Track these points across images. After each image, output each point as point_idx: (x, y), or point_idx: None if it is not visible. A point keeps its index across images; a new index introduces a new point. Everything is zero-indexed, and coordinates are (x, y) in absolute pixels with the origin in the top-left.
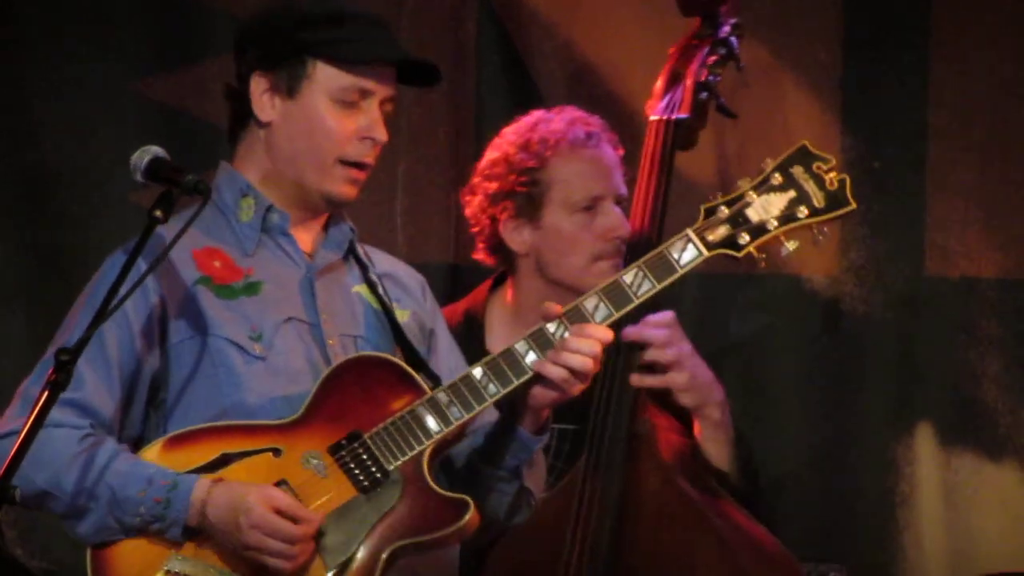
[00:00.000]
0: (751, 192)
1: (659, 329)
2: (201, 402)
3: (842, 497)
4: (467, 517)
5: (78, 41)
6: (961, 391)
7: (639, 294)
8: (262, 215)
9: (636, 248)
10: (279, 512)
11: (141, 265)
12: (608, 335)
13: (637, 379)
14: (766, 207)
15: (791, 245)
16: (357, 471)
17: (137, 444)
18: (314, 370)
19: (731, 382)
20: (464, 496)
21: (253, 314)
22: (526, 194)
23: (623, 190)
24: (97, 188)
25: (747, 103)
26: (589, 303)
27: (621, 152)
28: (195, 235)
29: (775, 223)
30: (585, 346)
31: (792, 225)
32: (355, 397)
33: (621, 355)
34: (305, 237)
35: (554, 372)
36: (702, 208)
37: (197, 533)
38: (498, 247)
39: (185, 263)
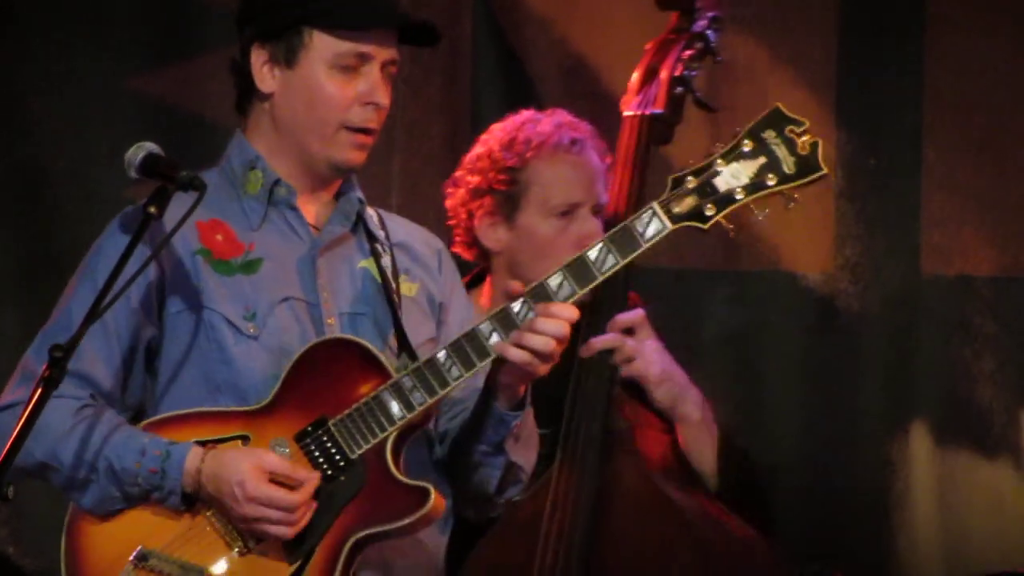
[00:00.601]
0: (719, 160)
1: (634, 315)
2: (195, 376)
3: (837, 496)
4: (429, 505)
5: (72, 37)
6: (956, 390)
7: (603, 270)
8: (269, 189)
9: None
10: (273, 476)
11: (139, 257)
12: (573, 313)
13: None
14: (735, 175)
15: (760, 214)
16: (321, 459)
17: (138, 411)
18: None
19: (726, 378)
20: (424, 484)
21: (249, 293)
22: (505, 192)
23: (603, 199)
24: (92, 184)
25: (742, 99)
26: (553, 281)
27: (608, 160)
28: (203, 208)
29: (742, 192)
30: (549, 326)
31: (760, 193)
32: (323, 381)
33: (592, 363)
34: (312, 209)
35: (517, 355)
36: (669, 179)
37: (193, 504)
38: (473, 242)
39: (188, 234)
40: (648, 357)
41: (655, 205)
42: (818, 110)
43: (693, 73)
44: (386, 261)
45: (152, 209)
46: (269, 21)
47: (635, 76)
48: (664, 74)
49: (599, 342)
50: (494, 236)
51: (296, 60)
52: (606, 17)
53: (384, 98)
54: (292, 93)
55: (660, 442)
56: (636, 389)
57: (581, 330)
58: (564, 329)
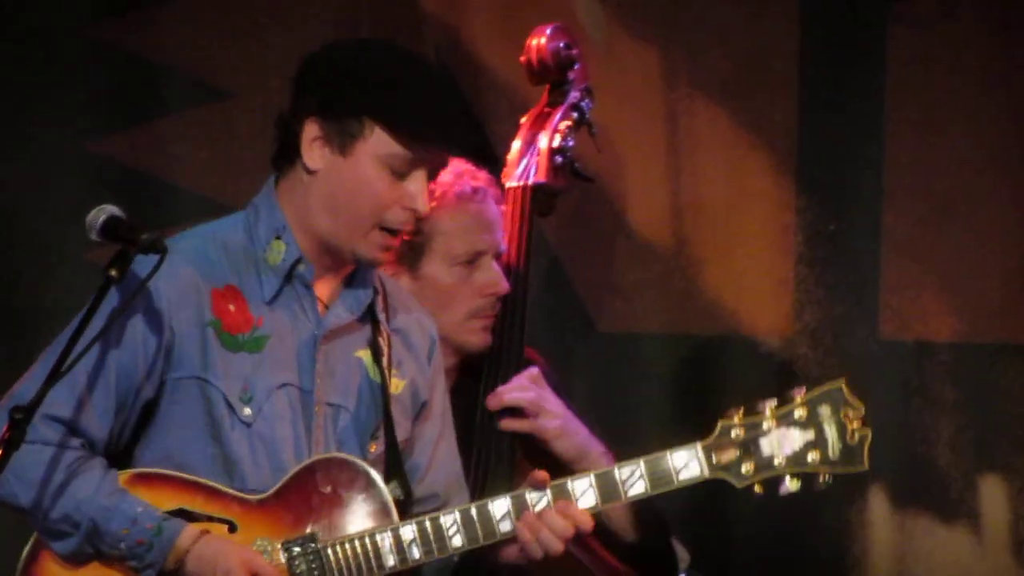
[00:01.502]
0: (771, 421)
1: (530, 372)
2: (179, 443)
3: (795, 560)
4: None
5: (34, 98)
6: (915, 455)
7: (630, 494)
8: (290, 265)
9: (505, 315)
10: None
11: (99, 321)
12: (587, 525)
13: (505, 423)
14: (781, 442)
15: (792, 486)
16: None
17: (119, 458)
18: (296, 439)
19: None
20: None
21: (249, 373)
22: (407, 242)
23: (503, 247)
24: (53, 246)
25: (703, 164)
26: (579, 485)
27: (504, 208)
28: (221, 268)
29: (783, 462)
30: (560, 527)
31: (799, 469)
32: (325, 497)
33: (494, 418)
34: (325, 288)
35: (530, 546)
36: (719, 423)
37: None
38: None
39: (202, 301)
40: (545, 413)
41: (699, 447)
42: (778, 174)
43: (570, 143)
44: (382, 354)
45: (112, 272)
46: (332, 100)
47: (514, 148)
48: (543, 145)
49: (507, 397)
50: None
51: (350, 149)
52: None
53: (426, 206)
54: (338, 179)
55: None
56: (539, 451)
57: (481, 386)
58: (571, 533)
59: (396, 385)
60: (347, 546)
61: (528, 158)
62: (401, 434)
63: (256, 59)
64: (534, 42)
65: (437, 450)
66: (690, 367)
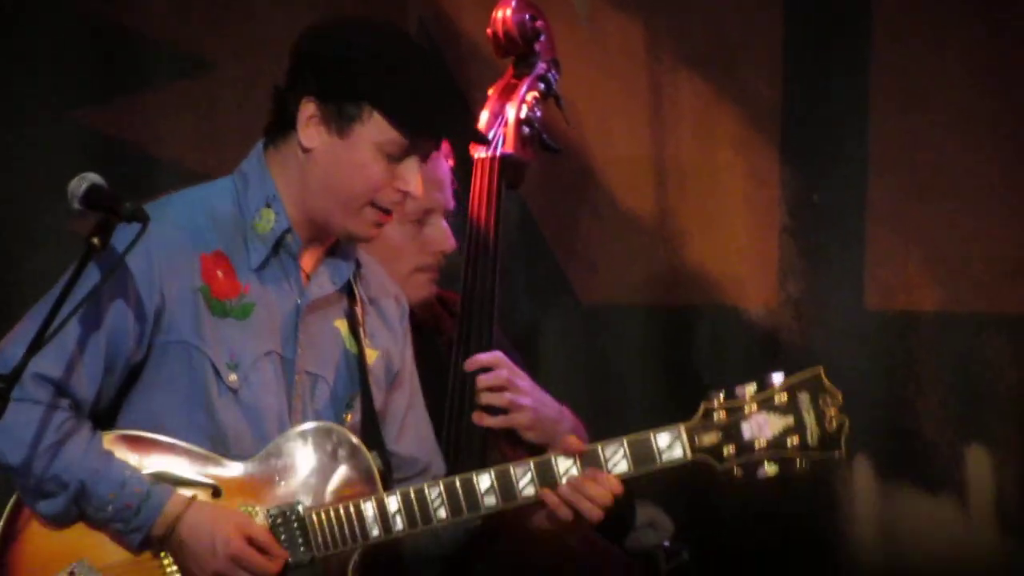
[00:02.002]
0: (752, 405)
1: (497, 372)
2: (165, 407)
3: (780, 530)
4: None
5: (17, 69)
6: (900, 425)
7: (612, 472)
8: (278, 235)
9: (473, 290)
10: (251, 542)
11: (83, 288)
12: (619, 491)
13: (477, 417)
14: (762, 426)
15: (770, 470)
16: (286, 543)
17: (101, 418)
18: (279, 407)
19: (669, 412)
20: None
21: (236, 340)
22: None
23: (452, 204)
24: (35, 216)
25: (687, 136)
26: (562, 463)
27: (451, 164)
28: (210, 234)
29: (763, 446)
30: (599, 495)
31: (779, 453)
32: (309, 465)
33: (466, 396)
34: (309, 258)
35: (565, 513)
36: (702, 406)
37: (148, 544)
38: None
39: (192, 266)
40: (518, 408)
41: (682, 429)
42: (763, 146)
43: (537, 114)
44: (359, 324)
45: (95, 240)
46: (333, 82)
47: (481, 120)
48: (511, 116)
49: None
50: None
51: (347, 132)
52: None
53: (419, 188)
54: (333, 160)
55: None
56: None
57: (453, 356)
58: (609, 500)
59: (370, 356)
60: (331, 514)
61: (495, 129)
62: (377, 405)
63: (240, 31)
64: (499, 14)
65: (408, 416)
66: (674, 338)
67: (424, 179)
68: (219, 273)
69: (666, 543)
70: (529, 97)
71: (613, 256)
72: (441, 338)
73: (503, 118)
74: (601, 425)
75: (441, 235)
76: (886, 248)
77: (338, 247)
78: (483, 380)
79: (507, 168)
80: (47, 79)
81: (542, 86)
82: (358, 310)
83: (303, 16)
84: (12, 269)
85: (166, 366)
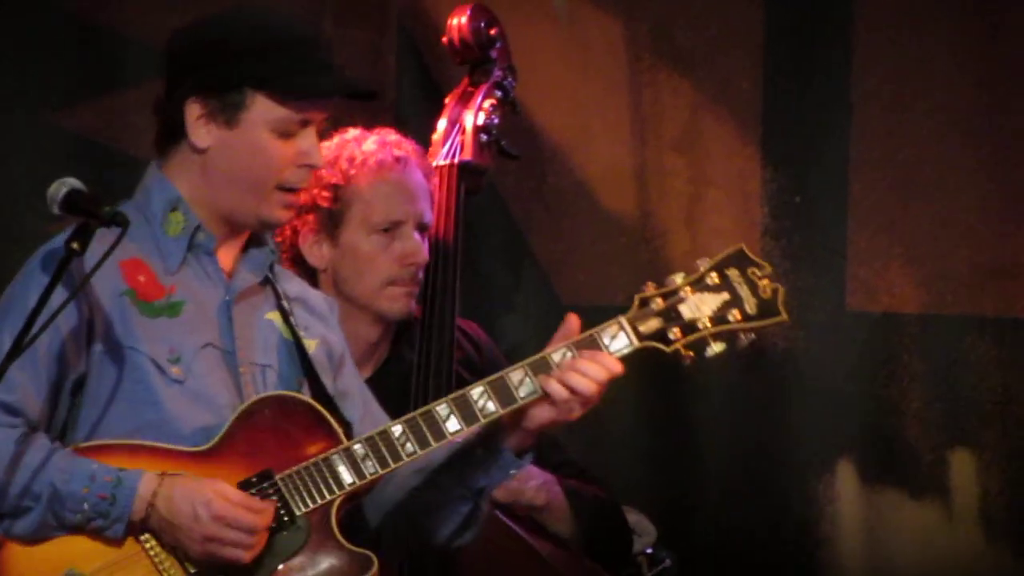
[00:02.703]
0: (687, 288)
1: None
2: (117, 414)
3: (763, 533)
4: (371, 573)
5: None
6: (882, 427)
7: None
8: (190, 233)
9: (435, 291)
10: (233, 503)
11: (60, 295)
12: (618, 369)
13: None
14: (699, 305)
15: (717, 347)
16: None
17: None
18: (229, 398)
19: (653, 415)
20: (367, 552)
21: (173, 335)
22: (328, 210)
23: (427, 217)
24: (13, 220)
25: (667, 135)
26: (515, 376)
27: (436, 180)
28: (122, 244)
29: (706, 322)
30: (593, 370)
31: (722, 327)
32: (270, 435)
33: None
34: (226, 256)
35: (557, 390)
36: (636, 297)
37: (130, 533)
38: (298, 259)
39: (112, 273)
40: None
41: (623, 320)
42: (744, 146)
43: (495, 121)
44: (290, 315)
45: (75, 245)
46: (209, 77)
47: (439, 127)
48: (469, 124)
49: None
50: (318, 253)
51: (236, 121)
52: (532, 56)
53: (319, 160)
54: (229, 152)
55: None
56: None
57: (416, 360)
58: (605, 377)
59: (309, 344)
60: (303, 473)
61: (453, 137)
62: (329, 389)
63: None
64: (454, 21)
65: (367, 404)
66: None
67: (394, 190)
68: (141, 278)
69: (649, 549)
70: (486, 104)
71: (595, 257)
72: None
73: (460, 125)
74: (585, 423)
75: (412, 246)
76: (868, 249)
77: (252, 242)
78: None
79: (466, 175)
80: (25, 80)
81: (499, 93)
82: (284, 303)
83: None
84: None
85: (106, 375)
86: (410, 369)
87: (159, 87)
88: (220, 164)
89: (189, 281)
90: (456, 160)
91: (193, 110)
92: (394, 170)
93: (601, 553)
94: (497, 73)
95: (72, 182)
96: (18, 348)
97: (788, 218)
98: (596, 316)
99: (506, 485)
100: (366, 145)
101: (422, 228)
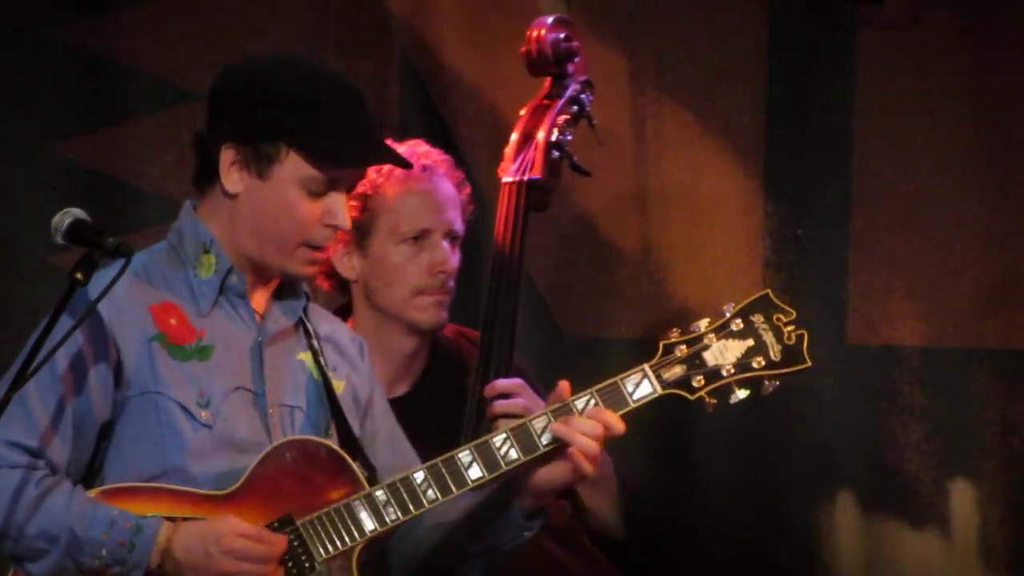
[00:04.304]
0: (711, 335)
1: (515, 400)
2: (141, 459)
3: (764, 565)
4: None
5: None
6: (883, 459)
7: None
8: (222, 276)
9: (495, 314)
10: (245, 537)
11: (67, 324)
12: (619, 428)
13: None
14: (723, 352)
15: (741, 393)
16: (286, 557)
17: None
18: (256, 441)
19: (651, 446)
20: None
21: (202, 379)
22: (356, 220)
23: (457, 226)
24: (16, 250)
25: (670, 168)
26: (538, 423)
27: (467, 191)
28: (153, 288)
29: (730, 369)
30: (590, 427)
31: (746, 375)
32: (292, 479)
33: (482, 423)
34: (258, 297)
35: (580, 440)
36: (661, 344)
37: None
38: (331, 272)
39: (143, 318)
40: None
41: (647, 368)
42: (746, 179)
43: (568, 137)
44: (320, 355)
45: (78, 275)
46: (247, 125)
47: (511, 141)
48: (540, 140)
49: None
50: (348, 264)
51: (268, 173)
52: (533, 84)
53: (347, 222)
54: (258, 203)
55: (554, 508)
56: None
57: (472, 384)
58: (601, 432)
59: (337, 386)
60: (324, 519)
61: (524, 152)
62: (356, 431)
63: (222, 62)
64: (534, 33)
65: (396, 446)
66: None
67: (421, 199)
68: (172, 321)
69: None
70: (560, 120)
71: (597, 289)
72: (468, 377)
73: (532, 140)
74: None
75: (441, 255)
76: (869, 281)
77: (285, 286)
78: (499, 406)
79: (533, 192)
80: (30, 111)
81: (574, 108)
82: (315, 343)
83: (283, 46)
84: None
85: (132, 421)
86: (447, 387)
87: (162, 118)
88: (248, 213)
89: (220, 323)
90: (525, 177)
91: (228, 155)
92: (422, 179)
93: (632, 541)
94: (573, 87)
95: (76, 212)
96: (19, 380)
97: (790, 251)
98: (597, 348)
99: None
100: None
101: (452, 237)
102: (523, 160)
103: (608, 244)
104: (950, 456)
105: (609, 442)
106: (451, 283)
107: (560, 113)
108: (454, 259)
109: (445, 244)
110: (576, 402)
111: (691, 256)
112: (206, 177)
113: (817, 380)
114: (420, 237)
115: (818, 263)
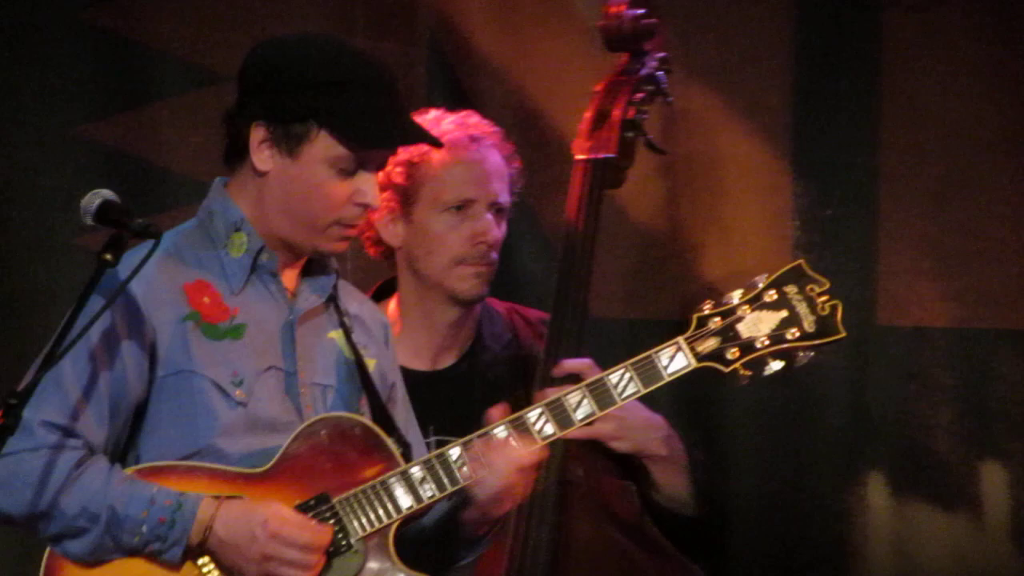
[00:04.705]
0: (744, 306)
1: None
2: (175, 438)
3: (793, 546)
4: None
5: (25, 82)
6: (913, 441)
7: (623, 395)
8: (254, 255)
9: (567, 290)
10: (291, 523)
11: (98, 304)
12: (531, 460)
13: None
14: (757, 324)
15: (775, 365)
16: None
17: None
18: (289, 420)
19: (682, 429)
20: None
21: (235, 358)
22: (402, 187)
23: (502, 198)
24: (45, 231)
25: (697, 150)
26: (573, 398)
27: (517, 164)
28: (185, 266)
29: (764, 341)
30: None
31: (780, 346)
32: (326, 457)
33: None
34: (288, 275)
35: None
36: (694, 317)
37: (187, 556)
38: (376, 239)
39: (176, 297)
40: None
41: (681, 341)
42: (773, 160)
43: (644, 116)
44: (351, 333)
45: (107, 256)
46: (278, 104)
47: (586, 119)
48: (616, 117)
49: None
50: (393, 231)
51: (298, 152)
52: (561, 67)
53: (376, 201)
54: (288, 182)
55: (614, 488)
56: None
57: (536, 376)
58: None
59: (369, 364)
60: (360, 496)
61: (599, 130)
62: (386, 406)
63: (248, 43)
64: (613, 9)
65: (410, 434)
66: None
67: (465, 169)
68: (205, 299)
69: None
70: (636, 97)
71: (625, 270)
72: (517, 353)
73: (608, 119)
74: None
75: (483, 226)
76: (898, 263)
77: (315, 262)
78: (568, 364)
79: (607, 171)
80: (57, 94)
81: (650, 87)
82: (346, 320)
83: (310, 27)
84: (22, 283)
85: (166, 400)
86: (495, 361)
87: (190, 100)
88: (277, 191)
89: (252, 302)
90: (599, 155)
91: (258, 133)
92: (468, 149)
93: (707, 517)
94: (651, 64)
95: (105, 193)
96: (50, 359)
97: (818, 232)
98: (625, 330)
99: (630, 434)
100: (444, 125)
101: (497, 209)
102: (597, 138)
103: (636, 226)
104: (981, 437)
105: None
106: (494, 255)
107: (636, 91)
108: (498, 231)
109: (488, 215)
110: (611, 376)
111: (719, 237)
112: (236, 154)
113: (847, 361)
114: (463, 207)
115: (847, 244)
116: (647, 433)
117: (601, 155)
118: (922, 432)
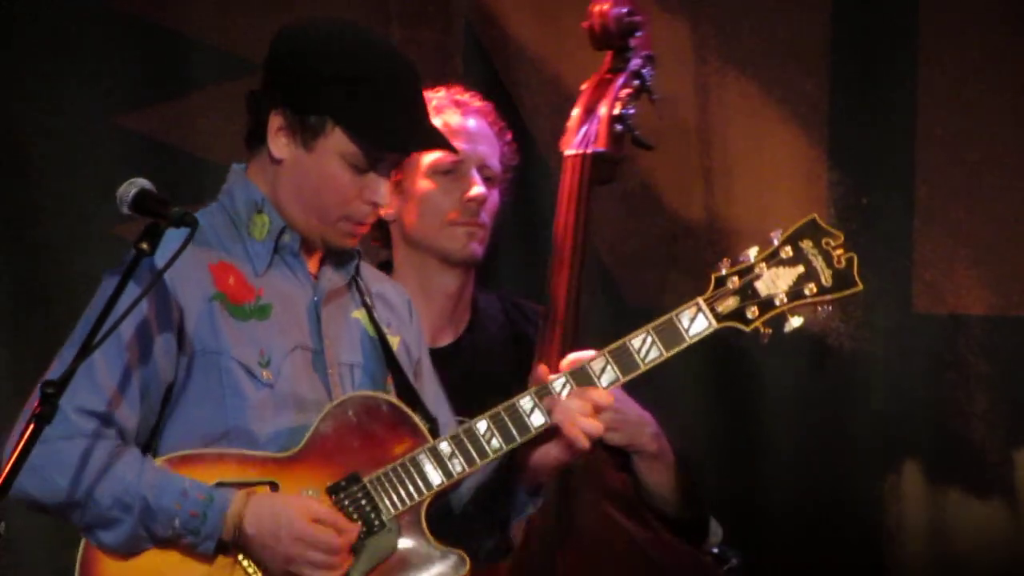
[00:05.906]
0: (761, 264)
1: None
2: (203, 419)
3: (828, 533)
4: (463, 572)
5: (63, 73)
6: (949, 429)
7: (646, 360)
8: (276, 236)
9: (559, 280)
10: (318, 522)
11: (132, 292)
12: (606, 400)
13: None
14: (775, 280)
15: (796, 321)
16: (355, 515)
17: (143, 450)
18: (317, 400)
19: (718, 417)
20: (460, 552)
21: (262, 338)
22: None
23: (490, 162)
24: (82, 220)
25: (734, 138)
26: (596, 364)
27: (508, 138)
28: (209, 247)
29: (783, 298)
30: (578, 406)
31: (800, 302)
32: (355, 436)
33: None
34: (312, 257)
35: (572, 431)
36: (712, 276)
37: (221, 549)
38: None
39: (203, 277)
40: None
41: (700, 302)
42: (810, 148)
43: (631, 111)
44: (376, 314)
45: (144, 245)
46: (297, 95)
47: (573, 115)
48: (603, 113)
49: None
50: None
51: (313, 145)
52: (597, 54)
53: (386, 199)
54: (302, 172)
55: (615, 478)
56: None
57: (536, 351)
58: (590, 410)
59: (393, 342)
60: (391, 474)
61: (587, 126)
62: (412, 383)
63: None
64: (597, 7)
65: (439, 408)
66: (720, 341)
67: (450, 130)
68: (230, 280)
69: (715, 549)
70: (623, 93)
71: (661, 259)
72: (511, 337)
73: (595, 114)
74: None
75: (471, 184)
76: (935, 250)
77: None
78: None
79: (597, 165)
80: (93, 84)
81: (636, 82)
82: (368, 300)
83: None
84: (60, 271)
85: (194, 381)
86: (492, 341)
87: (226, 90)
88: (291, 180)
89: (276, 283)
90: (589, 150)
91: (276, 120)
92: (454, 113)
93: (688, 517)
94: (636, 62)
95: (141, 182)
96: (86, 349)
97: (854, 220)
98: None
99: (625, 427)
100: (431, 95)
101: (487, 176)
102: (586, 133)
103: (672, 215)
104: (1016, 426)
105: (670, 413)
106: (484, 216)
107: (623, 87)
108: (486, 191)
109: (476, 175)
110: (633, 341)
111: (755, 226)
112: (256, 137)
113: (882, 349)
114: (452, 170)
115: (883, 232)
116: (640, 428)
117: (591, 149)
118: (958, 420)
